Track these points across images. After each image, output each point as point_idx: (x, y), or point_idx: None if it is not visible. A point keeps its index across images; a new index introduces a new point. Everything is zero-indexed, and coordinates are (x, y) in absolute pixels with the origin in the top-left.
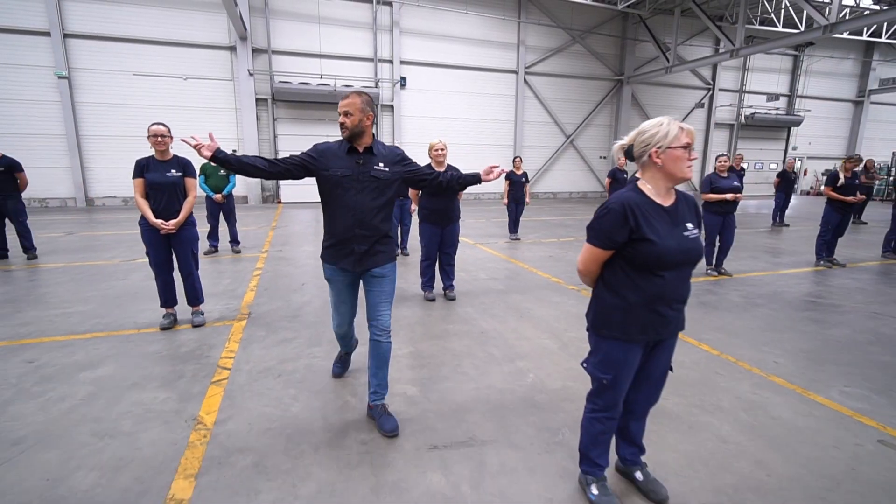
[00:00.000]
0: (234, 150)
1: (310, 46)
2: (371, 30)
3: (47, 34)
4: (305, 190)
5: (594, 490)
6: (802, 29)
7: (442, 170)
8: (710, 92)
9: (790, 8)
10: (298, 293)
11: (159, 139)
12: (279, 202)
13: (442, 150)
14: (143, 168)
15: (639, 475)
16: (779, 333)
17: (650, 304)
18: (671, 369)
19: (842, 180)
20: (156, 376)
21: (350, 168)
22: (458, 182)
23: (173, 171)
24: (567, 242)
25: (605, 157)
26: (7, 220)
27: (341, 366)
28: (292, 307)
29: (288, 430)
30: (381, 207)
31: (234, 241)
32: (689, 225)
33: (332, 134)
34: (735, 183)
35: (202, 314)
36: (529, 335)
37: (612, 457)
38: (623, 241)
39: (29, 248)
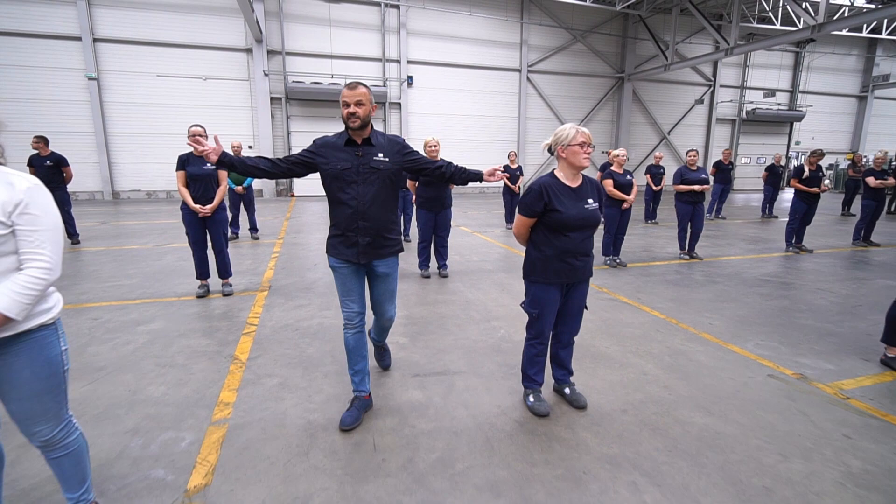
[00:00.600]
0: (251, 147)
1: (321, 48)
2: (379, 31)
3: (79, 39)
4: (317, 184)
5: (531, 399)
6: (800, 27)
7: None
8: (711, 88)
9: (787, 6)
10: (311, 271)
11: (198, 138)
12: (292, 195)
13: (435, 146)
14: (184, 162)
15: (567, 391)
16: (723, 304)
17: (561, 256)
18: (586, 307)
19: (806, 173)
20: (198, 329)
21: (349, 160)
22: (460, 175)
23: (208, 164)
24: None
25: (606, 152)
26: None
27: (356, 413)
28: (306, 282)
29: (304, 364)
30: (384, 199)
31: (253, 228)
32: (591, 200)
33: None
34: (703, 175)
35: (231, 286)
36: (506, 303)
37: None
38: (540, 211)
39: (73, 234)
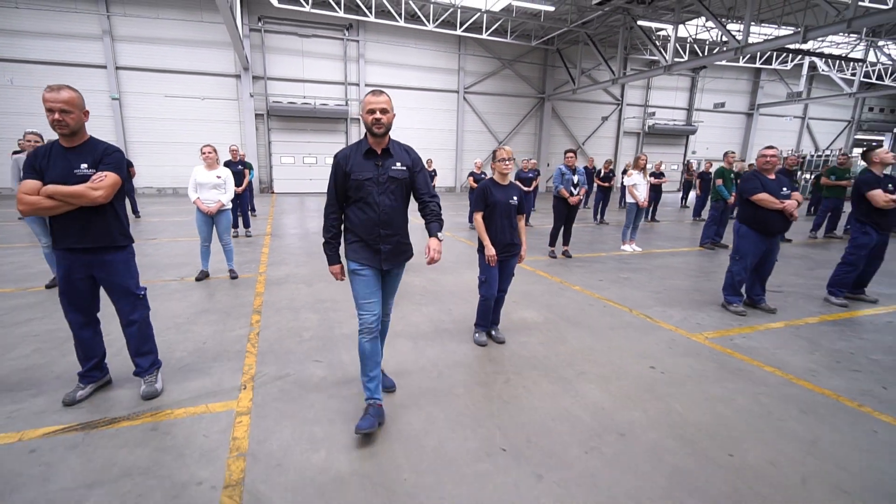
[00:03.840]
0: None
1: (295, 73)
2: (342, 60)
3: (104, 67)
4: (294, 183)
5: (477, 335)
6: (686, 58)
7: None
8: (619, 106)
9: (648, 48)
10: (295, 256)
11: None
12: (273, 192)
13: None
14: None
15: (493, 332)
16: (644, 284)
17: (497, 234)
18: (513, 273)
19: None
20: (215, 307)
21: (371, 171)
22: (429, 217)
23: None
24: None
25: (531, 159)
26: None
27: (372, 420)
28: (292, 268)
29: (302, 332)
30: (402, 207)
31: (246, 223)
32: (515, 197)
33: (312, 140)
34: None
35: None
36: (467, 281)
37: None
38: (485, 204)
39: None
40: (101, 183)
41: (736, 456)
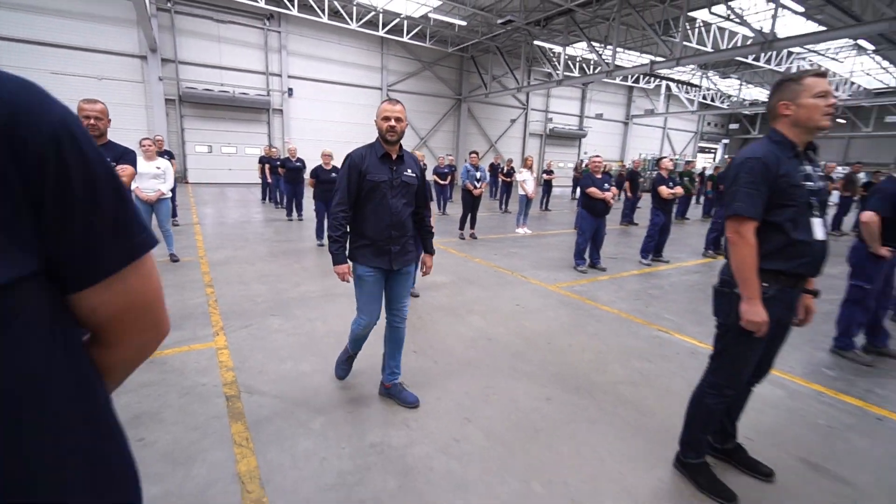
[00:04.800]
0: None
1: (212, 59)
2: (263, 50)
3: None
4: (210, 173)
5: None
6: (577, 74)
7: (329, 168)
8: (525, 111)
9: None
10: (232, 241)
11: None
12: (186, 182)
13: (329, 155)
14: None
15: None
16: (527, 256)
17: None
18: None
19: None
20: (167, 283)
21: (386, 174)
22: (421, 234)
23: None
24: None
25: (448, 155)
26: None
27: (347, 368)
28: (231, 251)
29: (255, 298)
30: (409, 210)
31: (173, 213)
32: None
33: (231, 129)
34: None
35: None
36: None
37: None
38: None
39: None
40: (125, 173)
41: (550, 343)
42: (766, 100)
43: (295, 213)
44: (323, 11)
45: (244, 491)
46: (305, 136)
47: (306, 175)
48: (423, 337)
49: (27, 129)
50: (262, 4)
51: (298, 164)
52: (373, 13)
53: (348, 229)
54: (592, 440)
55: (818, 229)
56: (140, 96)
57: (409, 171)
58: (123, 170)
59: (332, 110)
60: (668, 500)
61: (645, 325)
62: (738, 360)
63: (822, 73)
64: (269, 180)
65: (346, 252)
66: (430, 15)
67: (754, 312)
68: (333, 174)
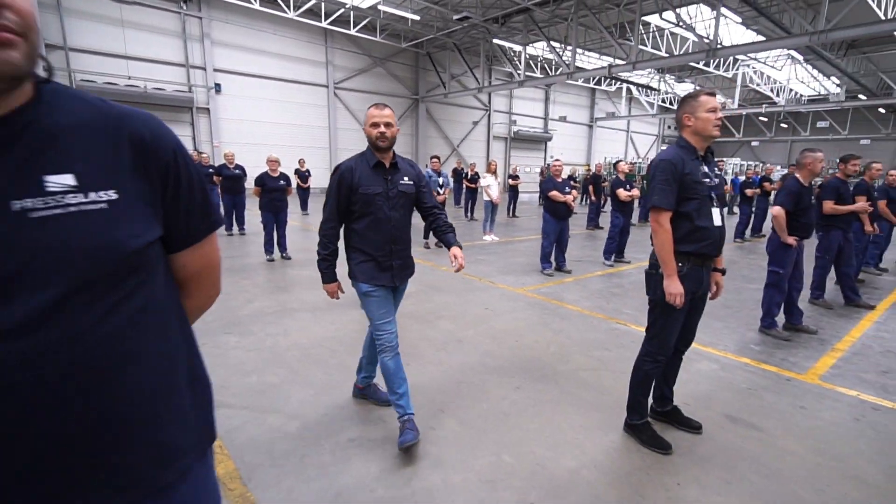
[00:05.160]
0: None
1: (115, 48)
2: (181, 38)
3: None
4: None
5: None
6: (537, 74)
7: (276, 175)
8: (488, 112)
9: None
10: None
11: None
12: None
13: (276, 161)
14: None
15: None
16: (494, 262)
17: None
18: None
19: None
20: None
21: (380, 185)
22: (440, 233)
23: None
24: None
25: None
26: None
27: (414, 434)
28: None
29: (203, 318)
30: (409, 221)
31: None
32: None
33: None
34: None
35: None
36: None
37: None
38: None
39: None
40: None
41: (518, 341)
42: (721, 105)
43: (236, 227)
44: None
45: (226, 489)
46: (239, 138)
47: (247, 184)
48: None
49: (160, 144)
50: None
51: (238, 171)
52: (313, 2)
53: (338, 246)
54: (556, 418)
55: (717, 217)
56: None
57: (406, 178)
58: None
59: (269, 109)
60: (617, 456)
61: (605, 320)
62: (666, 329)
63: (711, 93)
64: None
65: (336, 269)
66: (380, 7)
67: (673, 286)
68: (282, 181)
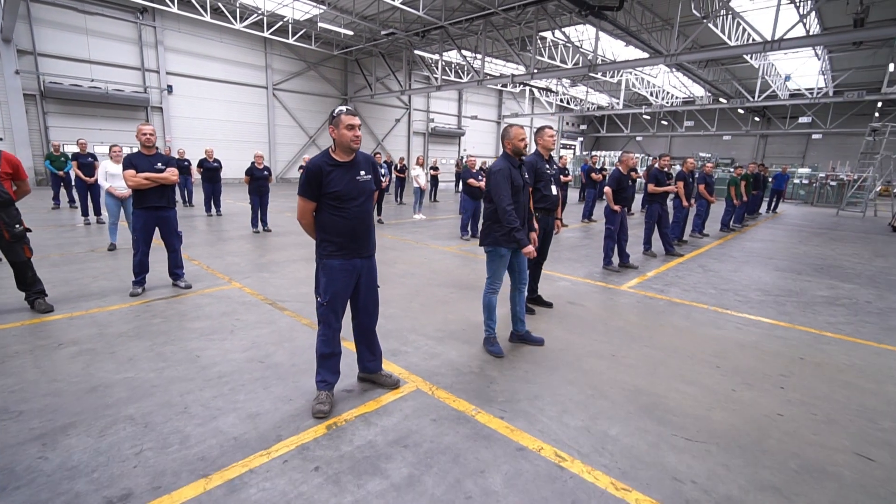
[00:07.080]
0: (1, 139)
1: (79, 53)
2: (137, 45)
3: None
4: None
5: None
6: (453, 79)
7: (261, 167)
8: (408, 111)
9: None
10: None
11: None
12: None
13: (261, 156)
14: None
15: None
16: (424, 233)
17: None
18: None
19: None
20: (152, 261)
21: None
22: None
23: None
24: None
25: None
26: None
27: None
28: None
29: (238, 264)
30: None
31: (72, 200)
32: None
33: (105, 127)
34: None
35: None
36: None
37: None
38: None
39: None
40: (173, 174)
41: (450, 273)
42: (609, 105)
43: (213, 209)
44: (205, 9)
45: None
46: (190, 134)
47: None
48: None
49: None
50: None
51: (216, 164)
52: (257, 15)
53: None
54: (460, 306)
55: (553, 189)
56: None
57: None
58: (172, 172)
59: (216, 108)
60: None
61: None
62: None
63: (548, 126)
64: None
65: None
66: (319, 24)
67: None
68: (266, 172)
